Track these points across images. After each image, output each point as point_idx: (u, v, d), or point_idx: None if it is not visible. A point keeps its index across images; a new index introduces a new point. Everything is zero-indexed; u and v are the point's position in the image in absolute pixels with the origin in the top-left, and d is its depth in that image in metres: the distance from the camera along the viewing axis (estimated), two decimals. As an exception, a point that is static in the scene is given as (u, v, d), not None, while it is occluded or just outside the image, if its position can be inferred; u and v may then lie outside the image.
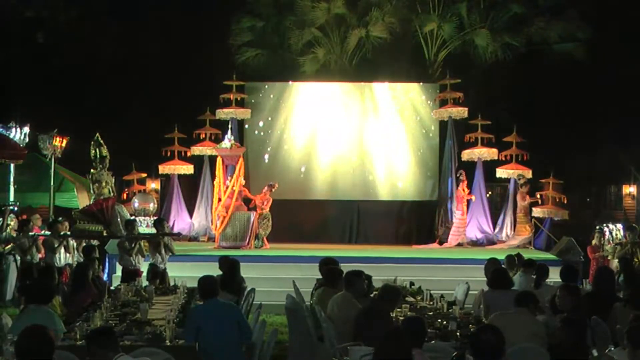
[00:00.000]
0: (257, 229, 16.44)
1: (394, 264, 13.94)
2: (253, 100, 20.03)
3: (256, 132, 20.01)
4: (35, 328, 4.66)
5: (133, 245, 11.98)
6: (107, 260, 13.97)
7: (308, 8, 20.67)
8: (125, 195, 19.16)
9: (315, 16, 20.64)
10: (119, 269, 12.80)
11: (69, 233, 13.49)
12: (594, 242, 16.03)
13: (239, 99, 19.67)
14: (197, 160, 19.54)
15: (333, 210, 19.73)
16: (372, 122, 19.88)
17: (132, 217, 15.18)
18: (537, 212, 18.61)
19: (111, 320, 7.53)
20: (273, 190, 16.96)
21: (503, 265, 10.62)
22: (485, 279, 9.07)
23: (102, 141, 16.22)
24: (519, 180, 18.42)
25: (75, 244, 13.38)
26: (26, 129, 16.10)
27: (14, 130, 15.82)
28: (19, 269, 13.47)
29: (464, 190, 18.34)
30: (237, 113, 19.40)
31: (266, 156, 19.84)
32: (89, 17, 21.70)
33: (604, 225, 16.39)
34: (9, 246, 13.75)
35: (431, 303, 8.98)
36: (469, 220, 19.02)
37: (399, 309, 7.85)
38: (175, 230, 18.29)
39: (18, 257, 13.52)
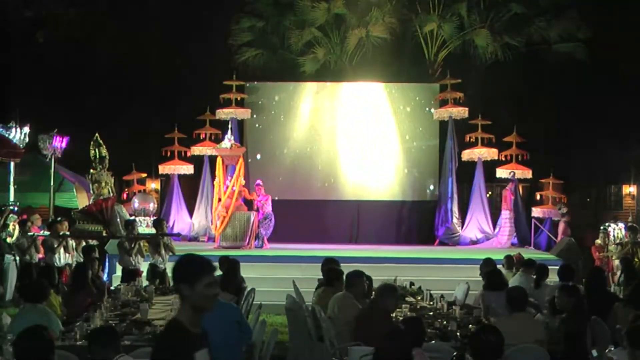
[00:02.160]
0: (257, 229, 16.41)
1: (394, 264, 13.91)
2: (253, 100, 20.03)
3: (256, 132, 20.00)
4: (33, 329, 4.64)
5: (133, 246, 11.98)
6: (107, 260, 13.96)
7: (308, 8, 20.65)
8: (125, 195, 19.17)
9: (315, 16, 20.63)
10: (119, 269, 12.80)
11: (68, 233, 13.48)
12: (598, 242, 16.00)
13: (239, 99, 19.67)
14: (197, 160, 19.54)
15: (333, 210, 19.71)
16: (372, 122, 19.88)
17: (132, 217, 15.17)
18: (537, 212, 18.60)
19: (111, 320, 7.53)
20: (261, 184, 16.83)
21: (501, 266, 10.64)
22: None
23: (101, 141, 16.19)
24: (559, 210, 18.05)
25: (74, 244, 13.37)
26: (26, 129, 16.09)
27: (14, 130, 15.81)
28: (19, 269, 13.48)
29: (511, 190, 18.26)
30: (237, 113, 19.40)
31: (266, 156, 19.84)
32: (89, 17, 21.68)
33: (608, 225, 16.37)
34: (11, 240, 13.76)
35: (431, 303, 8.98)
36: (469, 220, 19.04)
37: (398, 309, 7.85)
38: (175, 230, 18.32)
39: (18, 257, 13.52)
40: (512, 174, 18.50)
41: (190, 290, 3.61)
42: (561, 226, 17.80)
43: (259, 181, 17.00)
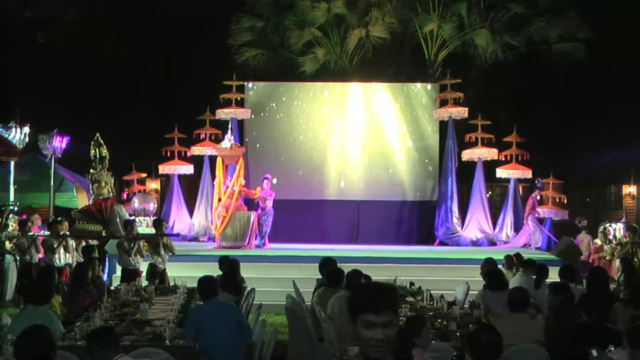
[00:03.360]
0: (257, 229, 16.40)
1: (394, 264, 13.91)
2: (253, 100, 20.03)
3: (256, 132, 20.01)
4: (34, 328, 4.65)
5: (132, 246, 11.97)
6: (107, 260, 13.96)
7: (308, 8, 20.67)
8: (125, 195, 19.17)
9: (315, 16, 20.65)
10: (119, 269, 12.79)
11: (68, 233, 13.48)
12: (597, 241, 15.95)
13: (239, 99, 19.67)
14: (197, 160, 19.54)
15: (333, 210, 19.70)
16: (372, 122, 19.88)
17: (132, 217, 15.17)
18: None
19: (111, 320, 7.53)
20: (272, 182, 16.77)
21: (501, 266, 10.64)
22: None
23: (102, 141, 16.21)
24: (579, 224, 17.37)
25: (74, 244, 13.37)
26: (26, 129, 16.11)
27: (14, 130, 15.82)
28: (19, 269, 13.48)
29: (538, 197, 17.96)
30: (237, 113, 19.39)
31: (266, 156, 19.84)
32: (89, 17, 21.70)
33: (609, 225, 16.30)
34: (10, 245, 13.75)
35: (431, 303, 8.98)
36: (469, 220, 19.03)
37: (398, 309, 7.84)
38: (175, 230, 18.31)
39: (18, 257, 13.52)
40: (538, 181, 18.23)
41: (353, 324, 2.98)
42: (585, 239, 16.86)
43: (268, 175, 16.98)
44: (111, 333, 5.14)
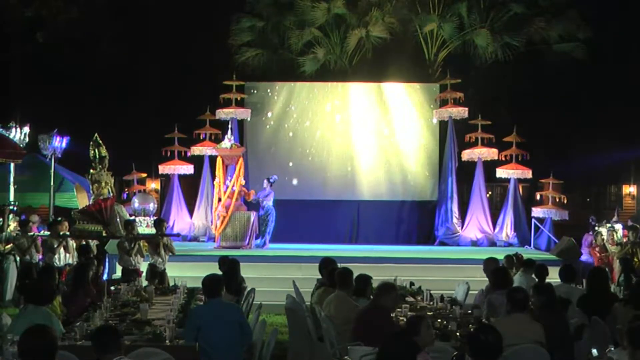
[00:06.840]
0: (257, 229, 16.41)
1: (394, 264, 13.92)
2: (253, 100, 20.03)
3: (256, 132, 20.00)
4: (38, 328, 4.67)
5: (132, 246, 11.97)
6: (107, 260, 13.95)
7: (308, 8, 20.66)
8: (125, 195, 19.17)
9: (315, 16, 20.64)
10: (119, 269, 12.80)
11: (68, 233, 13.48)
12: (598, 241, 15.87)
13: (239, 99, 19.67)
14: (197, 160, 19.54)
15: (333, 210, 19.70)
16: (372, 122, 19.88)
17: (132, 217, 15.16)
18: (537, 212, 18.60)
19: (111, 320, 7.53)
20: (272, 182, 16.80)
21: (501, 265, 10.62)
22: (485, 278, 9.09)
23: (100, 141, 16.17)
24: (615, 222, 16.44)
25: (74, 244, 13.37)
26: (26, 129, 16.10)
27: (14, 130, 15.82)
28: (19, 269, 13.47)
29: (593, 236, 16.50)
30: (237, 113, 19.39)
31: (266, 156, 19.84)
32: (89, 17, 21.69)
33: (612, 225, 16.20)
34: (9, 246, 13.75)
35: (431, 303, 8.98)
36: (469, 220, 19.02)
37: (398, 309, 7.85)
38: (175, 230, 18.31)
39: (18, 257, 13.52)
40: (592, 219, 17.40)
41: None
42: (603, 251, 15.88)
43: (275, 177, 16.97)
44: (113, 333, 5.13)
